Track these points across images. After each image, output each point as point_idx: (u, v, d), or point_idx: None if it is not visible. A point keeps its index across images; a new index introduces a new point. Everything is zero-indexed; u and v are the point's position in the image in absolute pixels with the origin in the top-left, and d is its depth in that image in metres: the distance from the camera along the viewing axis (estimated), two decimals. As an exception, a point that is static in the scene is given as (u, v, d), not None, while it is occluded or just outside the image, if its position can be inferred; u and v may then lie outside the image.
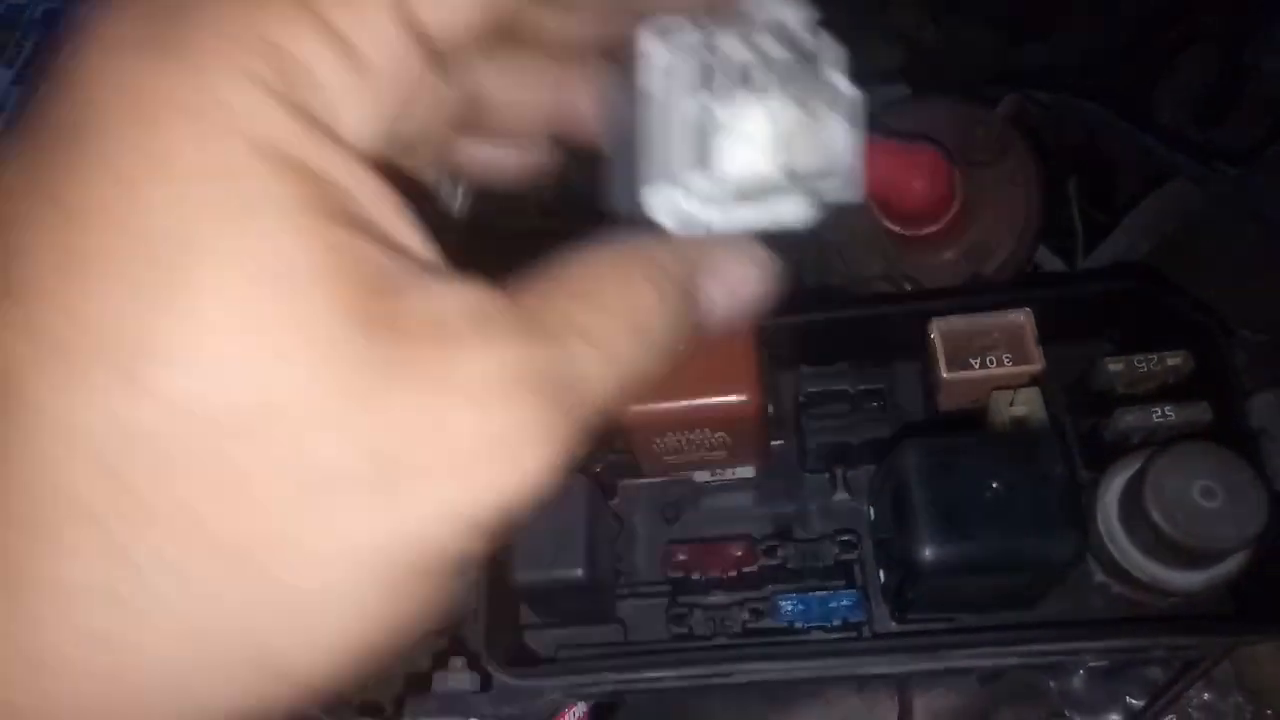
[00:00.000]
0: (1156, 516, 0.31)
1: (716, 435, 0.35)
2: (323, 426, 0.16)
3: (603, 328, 0.19)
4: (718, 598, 0.37)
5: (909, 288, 0.49)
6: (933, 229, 0.47)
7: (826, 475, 0.39)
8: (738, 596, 0.36)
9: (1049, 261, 0.55)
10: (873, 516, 0.36)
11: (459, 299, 0.17)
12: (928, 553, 0.29)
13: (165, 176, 0.15)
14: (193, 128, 0.15)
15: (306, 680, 0.17)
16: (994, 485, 0.29)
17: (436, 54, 0.18)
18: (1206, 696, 0.41)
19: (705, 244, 0.22)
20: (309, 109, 0.16)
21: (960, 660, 0.35)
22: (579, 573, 0.32)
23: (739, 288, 0.22)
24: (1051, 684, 0.44)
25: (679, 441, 0.35)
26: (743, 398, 0.33)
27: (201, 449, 0.15)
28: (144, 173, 0.15)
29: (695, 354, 0.34)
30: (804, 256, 0.56)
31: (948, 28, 1.01)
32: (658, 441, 0.35)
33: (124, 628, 0.15)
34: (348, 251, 0.16)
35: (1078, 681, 0.43)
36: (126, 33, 0.16)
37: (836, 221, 0.53)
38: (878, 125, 0.50)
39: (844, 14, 0.82)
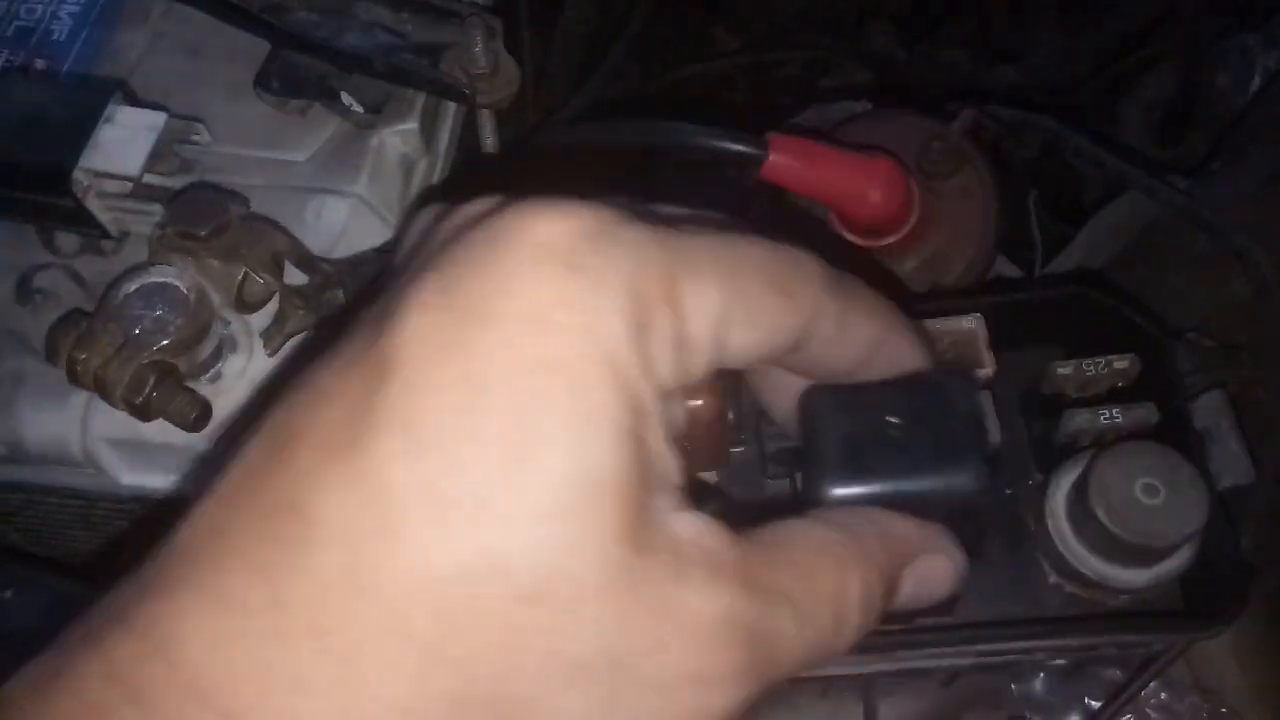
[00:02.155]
0: (1101, 514, 0.31)
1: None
2: (584, 615, 0.19)
3: (810, 604, 0.22)
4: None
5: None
6: (892, 240, 0.48)
7: (787, 480, 0.40)
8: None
9: (1009, 272, 0.56)
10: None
11: (697, 535, 0.20)
12: (833, 490, 0.28)
13: (541, 365, 0.19)
14: (574, 333, 0.19)
15: None
16: (899, 423, 0.28)
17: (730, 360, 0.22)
18: (1163, 696, 0.42)
19: (912, 540, 0.25)
20: (648, 353, 0.20)
21: (918, 660, 0.35)
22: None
23: (932, 581, 0.25)
24: (1013, 687, 0.44)
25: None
26: (700, 402, 0.33)
27: (491, 598, 0.18)
28: (527, 357, 0.19)
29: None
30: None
31: (923, 50, 1.03)
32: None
33: None
34: (640, 477, 0.20)
35: (1039, 684, 0.43)
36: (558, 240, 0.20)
37: (795, 234, 0.54)
38: (834, 138, 0.51)
39: (819, 35, 0.83)
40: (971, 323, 0.37)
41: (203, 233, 0.36)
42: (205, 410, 0.36)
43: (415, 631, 0.18)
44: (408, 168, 0.47)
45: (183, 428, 0.35)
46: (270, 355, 0.38)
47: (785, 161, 0.43)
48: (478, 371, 0.19)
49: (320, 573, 0.18)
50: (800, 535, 0.23)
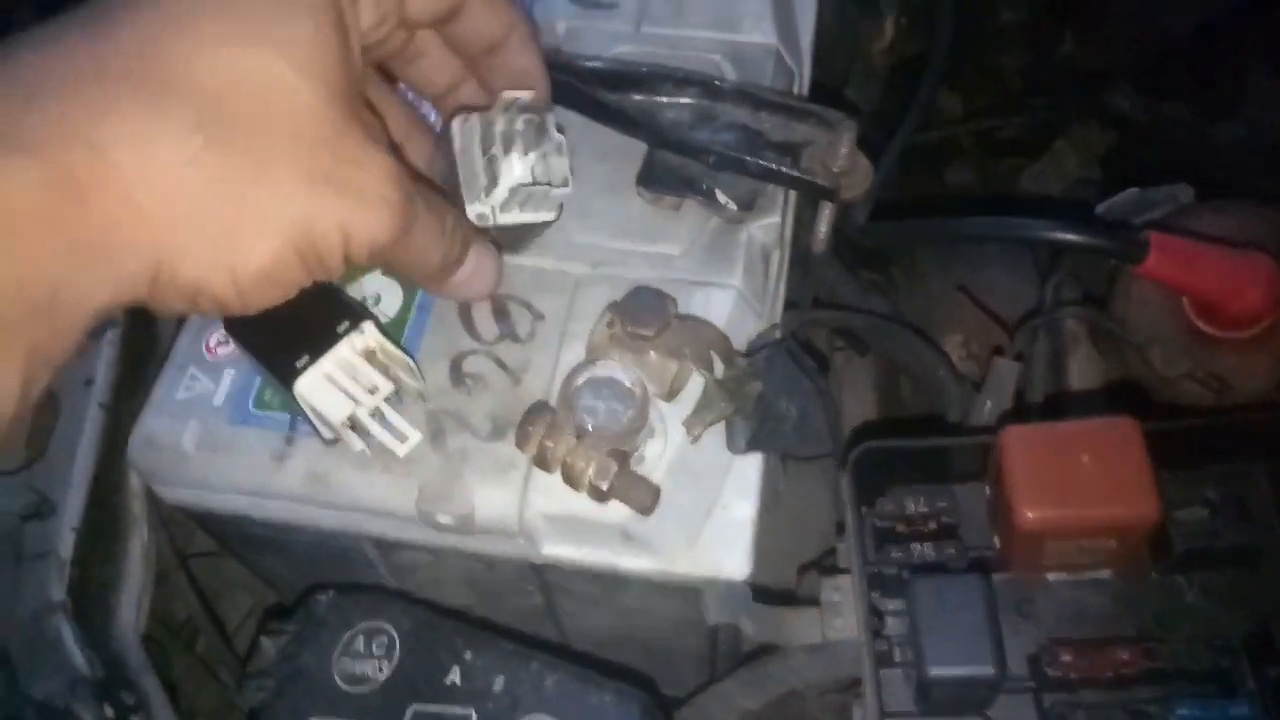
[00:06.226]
0: None
1: (1106, 543, 0.36)
2: (318, 117, 0.31)
3: (431, 205, 0.36)
4: (1091, 697, 0.38)
5: (1216, 388, 0.50)
6: (1252, 332, 0.48)
7: (1179, 578, 0.40)
8: (1118, 697, 0.37)
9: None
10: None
11: (381, 129, 0.37)
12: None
13: None
14: None
15: (205, 291, 0.30)
16: None
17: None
18: None
19: (473, 231, 0.40)
20: (354, 2, 0.33)
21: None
22: (990, 670, 0.34)
23: (482, 264, 0.41)
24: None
25: (1069, 547, 0.37)
26: (1146, 510, 0.35)
27: (247, 89, 0.30)
28: None
29: (1094, 465, 0.36)
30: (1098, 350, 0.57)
31: (1152, 107, 1.02)
32: (1051, 544, 0.36)
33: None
34: (348, 62, 0.32)
35: None
36: None
37: (1137, 321, 0.54)
38: (1182, 228, 0.51)
39: (1062, 100, 0.84)
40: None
41: (650, 332, 0.40)
42: (657, 494, 0.39)
43: (200, 86, 0.29)
44: (766, 258, 0.51)
45: (640, 511, 0.39)
46: (693, 442, 0.41)
47: (1167, 260, 0.44)
48: None
49: (131, 44, 0.28)
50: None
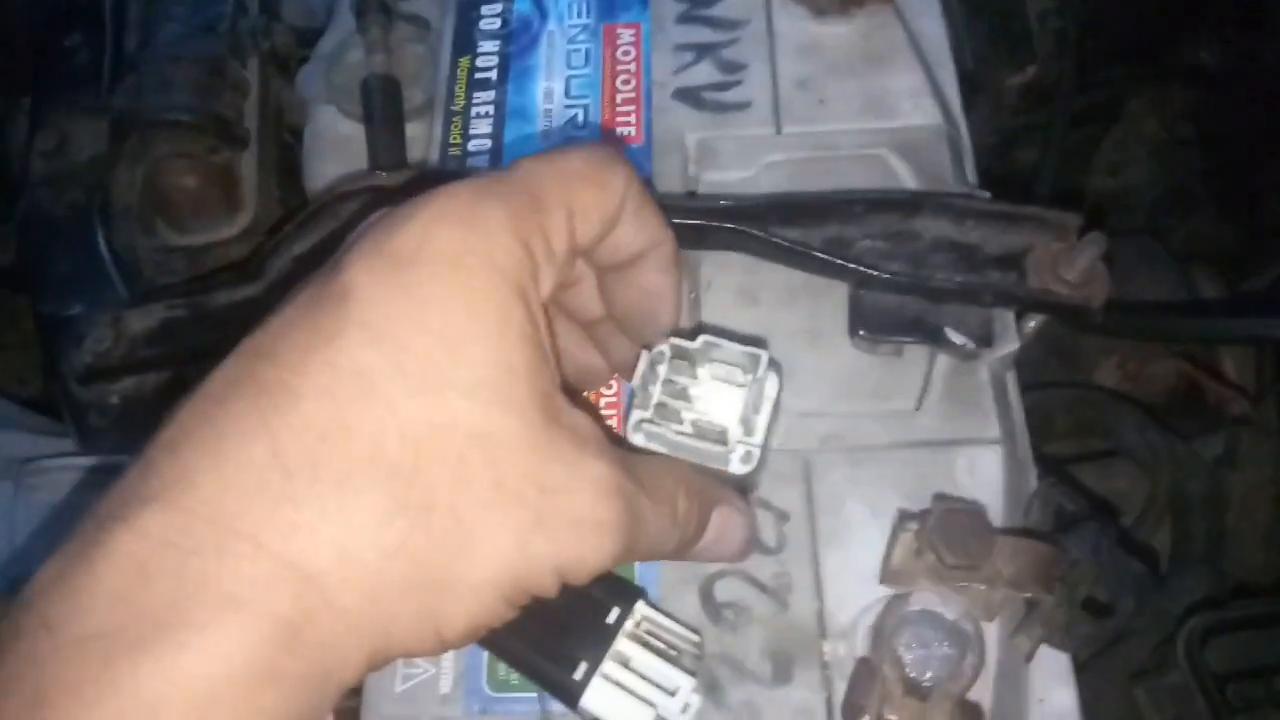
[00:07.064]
0: None
1: None
2: (516, 457, 0.26)
3: (657, 498, 0.30)
4: None
5: None
6: None
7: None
8: None
9: None
10: None
11: (588, 423, 0.28)
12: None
13: (461, 288, 0.26)
14: (481, 267, 0.27)
15: (417, 649, 0.26)
16: None
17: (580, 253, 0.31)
18: None
19: (721, 491, 0.34)
20: (535, 274, 0.28)
21: None
22: None
23: (731, 529, 0.34)
24: None
25: None
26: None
27: (447, 439, 0.25)
28: (450, 283, 0.26)
29: None
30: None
31: (1246, 52, 0.96)
32: None
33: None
34: (541, 368, 0.27)
35: None
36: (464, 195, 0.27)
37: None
38: None
39: (1118, 65, 0.76)
40: None
41: (977, 564, 0.34)
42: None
43: (391, 460, 0.24)
44: (1005, 390, 0.45)
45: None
46: (1028, 661, 0.36)
47: None
48: (415, 295, 0.26)
49: (311, 424, 0.24)
50: (644, 456, 0.33)
